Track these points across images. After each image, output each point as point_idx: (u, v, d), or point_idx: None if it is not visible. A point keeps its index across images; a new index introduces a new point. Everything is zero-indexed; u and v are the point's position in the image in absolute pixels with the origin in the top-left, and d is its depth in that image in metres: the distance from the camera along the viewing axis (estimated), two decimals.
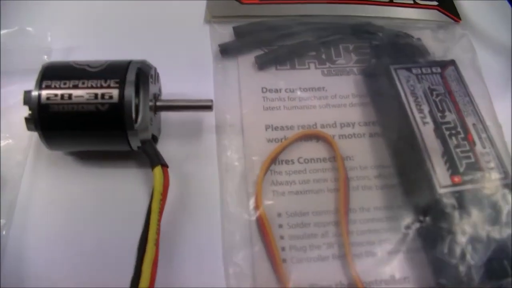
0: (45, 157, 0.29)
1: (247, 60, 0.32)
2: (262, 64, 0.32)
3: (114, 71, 0.26)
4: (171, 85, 0.30)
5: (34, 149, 0.29)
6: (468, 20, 0.36)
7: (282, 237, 0.26)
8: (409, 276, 0.26)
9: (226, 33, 0.33)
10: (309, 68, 0.33)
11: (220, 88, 0.31)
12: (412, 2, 0.36)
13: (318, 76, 0.32)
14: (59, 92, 0.25)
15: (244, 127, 0.30)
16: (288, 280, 0.25)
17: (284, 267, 0.25)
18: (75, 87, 0.25)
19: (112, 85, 0.25)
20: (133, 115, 0.25)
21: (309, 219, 0.27)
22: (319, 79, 0.32)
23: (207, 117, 0.30)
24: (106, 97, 0.25)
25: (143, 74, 0.26)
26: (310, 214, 0.27)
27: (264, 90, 0.31)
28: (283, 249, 0.26)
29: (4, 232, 0.26)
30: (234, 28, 0.33)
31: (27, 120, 0.26)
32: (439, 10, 0.36)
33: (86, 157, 0.29)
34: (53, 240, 0.27)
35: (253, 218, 0.27)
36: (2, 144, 0.29)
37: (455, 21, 0.36)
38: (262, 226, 0.26)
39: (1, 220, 0.26)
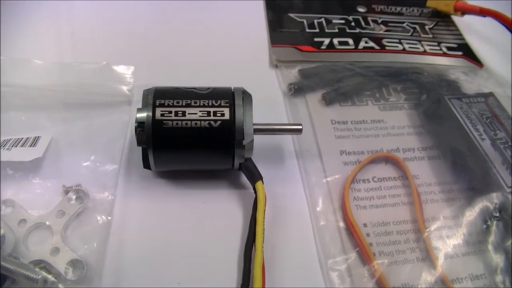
0: (137, 179, 0.31)
1: (314, 97, 0.37)
2: (330, 100, 0.36)
3: (222, 94, 0.29)
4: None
5: (125, 172, 0.31)
6: (487, 64, 0.43)
7: (371, 244, 0.29)
8: (484, 273, 0.28)
9: (291, 75, 0.38)
10: (367, 104, 0.37)
11: (294, 119, 0.35)
12: (441, 52, 0.43)
13: (376, 111, 0.37)
14: (173, 109, 0.28)
15: (322, 152, 0.33)
16: (385, 280, 0.27)
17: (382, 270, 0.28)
18: (188, 105, 0.28)
19: (223, 104, 0.29)
20: (243, 133, 0.28)
21: (391, 228, 0.30)
22: (377, 113, 0.37)
23: (286, 144, 0.34)
24: (218, 114, 0.28)
25: (248, 98, 0.30)
26: (391, 224, 0.30)
27: (333, 122, 0.35)
28: (373, 254, 0.29)
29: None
30: (299, 70, 0.38)
31: (139, 135, 0.28)
32: (465, 59, 0.42)
33: (177, 178, 0.31)
34: (149, 261, 0.28)
35: (342, 225, 0.29)
36: (90, 167, 0.31)
37: (479, 66, 0.42)
38: (354, 233, 0.29)
39: None
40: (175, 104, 0.28)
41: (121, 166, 0.32)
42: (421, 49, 0.42)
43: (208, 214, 0.30)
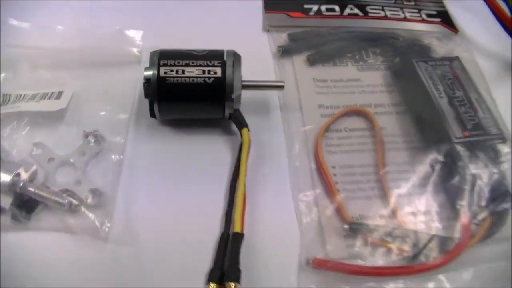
0: (145, 126, 0.37)
1: (300, 59, 0.42)
2: (313, 61, 0.41)
3: (216, 55, 0.35)
4: (245, 74, 0.39)
5: (135, 120, 0.38)
6: (463, 30, 0.47)
7: (336, 182, 0.35)
8: (431, 208, 0.34)
9: (281, 39, 0.43)
10: (347, 65, 0.42)
11: (282, 78, 0.40)
12: (421, 19, 0.47)
13: (354, 71, 0.42)
14: (174, 68, 0.34)
15: (303, 106, 0.39)
16: (345, 211, 0.33)
17: (342, 203, 0.34)
18: (187, 65, 0.34)
19: (216, 64, 0.34)
20: (232, 88, 0.34)
21: (355, 170, 0.36)
22: (355, 73, 0.42)
23: (272, 99, 0.39)
24: (212, 72, 0.34)
25: (237, 58, 0.35)
26: (356, 167, 0.36)
27: (315, 80, 0.41)
28: (338, 190, 0.34)
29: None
30: (289, 34, 0.43)
31: (146, 90, 0.34)
32: (441, 25, 0.46)
33: (177, 125, 0.38)
34: (154, 191, 0.34)
35: (313, 166, 0.35)
36: (106, 116, 0.37)
37: (454, 32, 0.46)
38: (323, 173, 0.35)
39: None
40: (176, 64, 0.34)
41: (131, 115, 0.38)
42: (402, 16, 0.46)
43: (203, 155, 0.36)
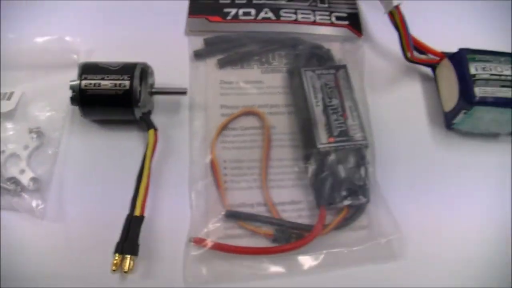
0: (78, 123, 0.46)
1: (212, 62, 0.49)
2: (222, 65, 0.48)
3: (127, 69, 0.43)
4: (163, 77, 0.47)
5: (70, 118, 0.46)
6: (369, 34, 0.52)
7: (225, 175, 0.43)
8: (302, 200, 0.43)
9: (199, 43, 0.50)
10: (253, 68, 0.49)
11: (194, 80, 0.48)
12: (329, 22, 0.52)
13: (258, 73, 0.49)
14: (92, 81, 0.42)
15: (207, 106, 0.47)
16: (227, 199, 0.42)
17: (226, 192, 0.42)
18: (103, 79, 0.42)
19: (126, 78, 0.42)
20: (138, 97, 0.42)
21: (244, 164, 0.44)
22: (259, 75, 0.49)
23: (184, 99, 0.47)
24: (122, 85, 0.42)
25: (144, 72, 0.43)
26: (244, 161, 0.44)
27: (222, 82, 0.48)
28: (225, 181, 0.43)
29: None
30: (204, 39, 0.50)
31: (72, 99, 0.43)
32: (348, 28, 0.52)
33: (105, 124, 0.46)
34: (83, 176, 0.44)
35: (208, 161, 0.44)
36: (47, 115, 0.46)
37: (358, 36, 0.52)
38: (213, 166, 0.43)
39: None
40: (94, 78, 0.42)
41: (67, 115, 0.46)
42: (312, 19, 0.52)
43: (123, 149, 0.45)
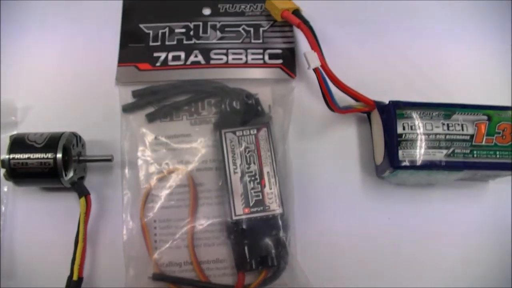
0: (21, 190, 0.49)
1: (141, 115, 0.49)
2: (150, 119, 0.49)
3: (51, 145, 0.44)
4: (97, 131, 0.49)
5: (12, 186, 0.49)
6: (302, 75, 0.51)
7: (155, 234, 0.47)
8: (226, 258, 0.46)
9: (128, 95, 0.50)
10: (182, 119, 0.49)
11: (125, 135, 0.49)
12: (262, 62, 0.51)
13: (187, 125, 0.49)
14: (20, 161, 0.45)
15: (138, 164, 0.48)
16: (156, 258, 0.46)
17: (155, 252, 0.46)
18: (29, 158, 0.44)
19: (50, 156, 0.44)
20: (63, 172, 0.45)
21: (172, 224, 0.47)
22: (187, 128, 0.49)
23: (117, 157, 0.49)
24: (47, 164, 0.44)
25: (68, 147, 0.45)
26: (172, 221, 0.47)
27: (150, 137, 0.49)
28: (155, 241, 0.47)
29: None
30: (132, 91, 0.50)
31: (4, 175, 0.46)
32: (281, 68, 0.50)
33: (44, 189, 0.49)
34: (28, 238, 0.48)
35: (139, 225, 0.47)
36: None
37: (291, 76, 0.50)
38: (143, 229, 0.47)
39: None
40: (21, 157, 0.44)
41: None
42: (243, 60, 0.50)
43: (62, 210, 0.49)
